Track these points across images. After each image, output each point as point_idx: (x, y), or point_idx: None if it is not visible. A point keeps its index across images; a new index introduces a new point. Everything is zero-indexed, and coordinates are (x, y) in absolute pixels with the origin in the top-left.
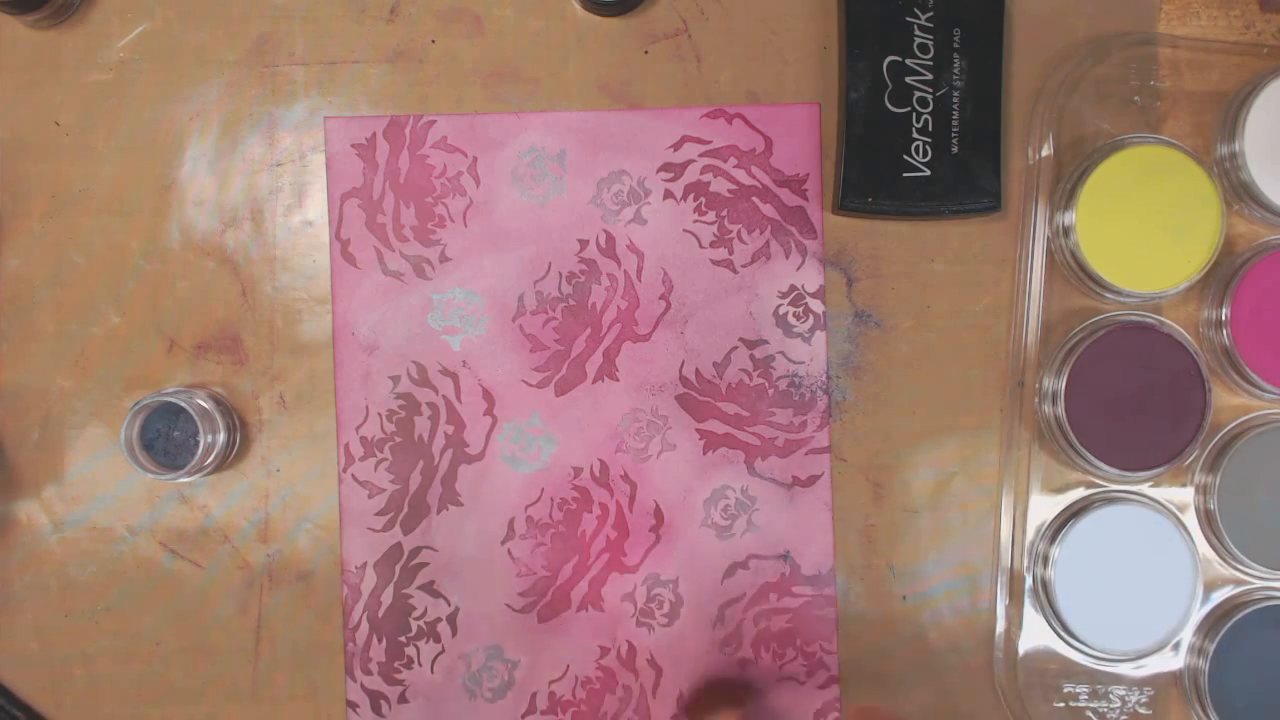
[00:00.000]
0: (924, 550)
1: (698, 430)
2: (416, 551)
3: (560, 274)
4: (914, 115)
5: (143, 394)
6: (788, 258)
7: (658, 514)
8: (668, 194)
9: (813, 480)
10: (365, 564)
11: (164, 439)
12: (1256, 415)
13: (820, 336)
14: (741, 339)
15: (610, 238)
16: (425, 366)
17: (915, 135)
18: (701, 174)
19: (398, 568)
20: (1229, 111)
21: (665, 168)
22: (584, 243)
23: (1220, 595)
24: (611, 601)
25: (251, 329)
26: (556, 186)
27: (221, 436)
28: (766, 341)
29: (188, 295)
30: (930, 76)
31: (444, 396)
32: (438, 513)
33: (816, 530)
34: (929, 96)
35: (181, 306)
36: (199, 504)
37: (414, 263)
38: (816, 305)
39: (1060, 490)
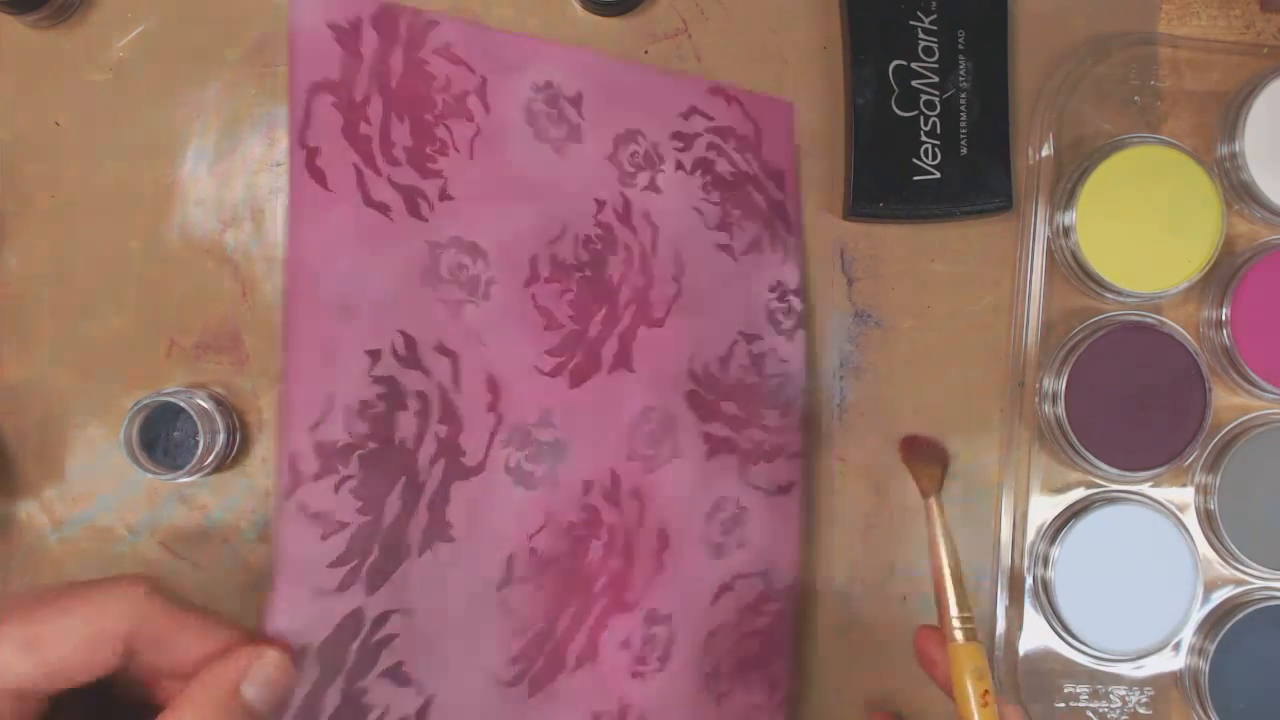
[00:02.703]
0: (924, 550)
1: (703, 433)
2: (384, 619)
3: (577, 237)
4: (921, 118)
5: (143, 394)
6: (774, 252)
7: (662, 536)
8: (679, 165)
9: (791, 486)
10: (305, 649)
11: (164, 439)
12: (1256, 415)
13: (800, 336)
14: (741, 332)
15: (627, 203)
16: (417, 340)
17: (924, 138)
18: (707, 150)
19: (354, 649)
20: (1229, 111)
21: (677, 136)
22: (601, 204)
23: (1220, 595)
24: (608, 651)
25: (251, 329)
26: (573, 134)
27: (221, 436)
28: (761, 337)
29: (188, 295)
30: (936, 79)
31: (439, 384)
32: (420, 554)
33: (790, 541)
34: (936, 99)
35: (181, 306)
36: (199, 504)
37: (406, 195)
38: (797, 303)
39: (1060, 490)
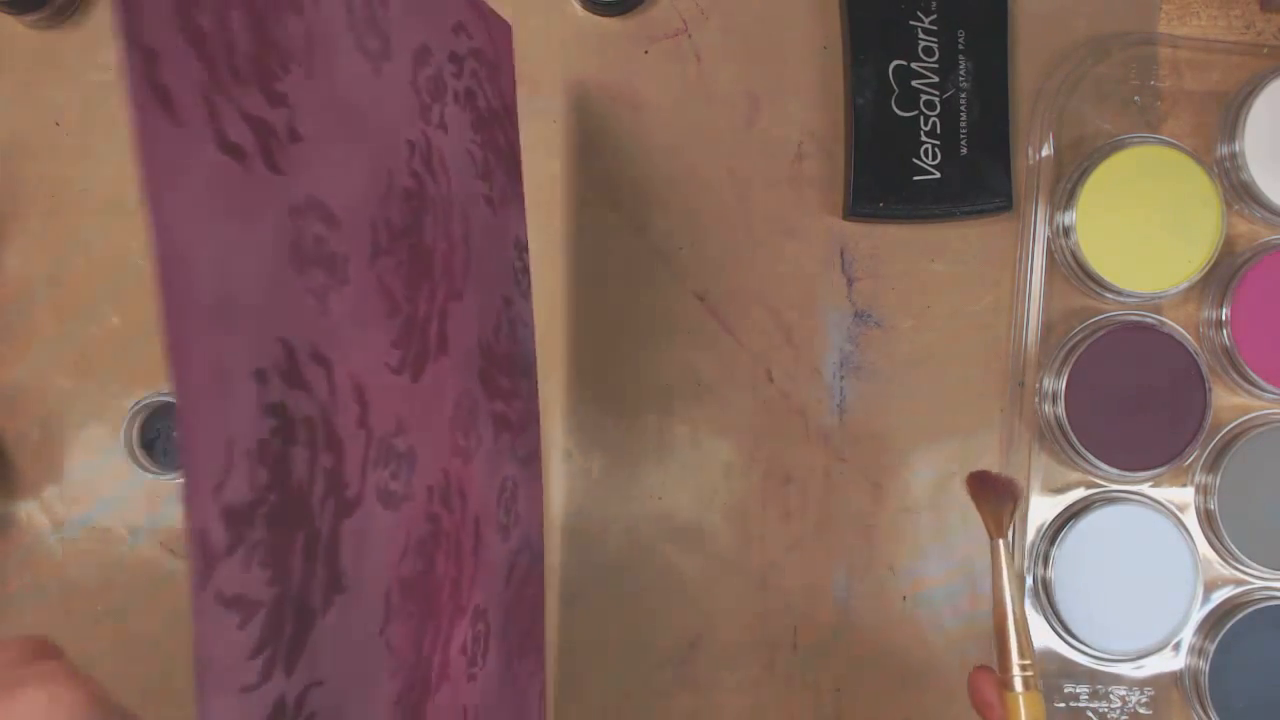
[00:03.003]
0: (924, 551)
1: (491, 412)
2: (303, 700)
3: (401, 193)
4: (921, 118)
5: (143, 394)
6: (515, 203)
7: (476, 529)
8: (455, 95)
9: (537, 452)
10: None
11: (164, 439)
12: (1256, 415)
13: (530, 296)
14: (503, 296)
15: (429, 145)
16: (295, 348)
17: (924, 138)
18: (471, 78)
19: None
20: (1229, 111)
21: (453, 58)
22: (412, 147)
23: (1220, 595)
24: (456, 663)
25: None
26: (385, 48)
27: None
28: (513, 301)
29: None
30: (936, 79)
31: (320, 403)
32: (324, 615)
33: (539, 504)
34: (936, 99)
35: None
36: None
37: (259, 133)
38: (528, 259)
39: (1060, 490)
